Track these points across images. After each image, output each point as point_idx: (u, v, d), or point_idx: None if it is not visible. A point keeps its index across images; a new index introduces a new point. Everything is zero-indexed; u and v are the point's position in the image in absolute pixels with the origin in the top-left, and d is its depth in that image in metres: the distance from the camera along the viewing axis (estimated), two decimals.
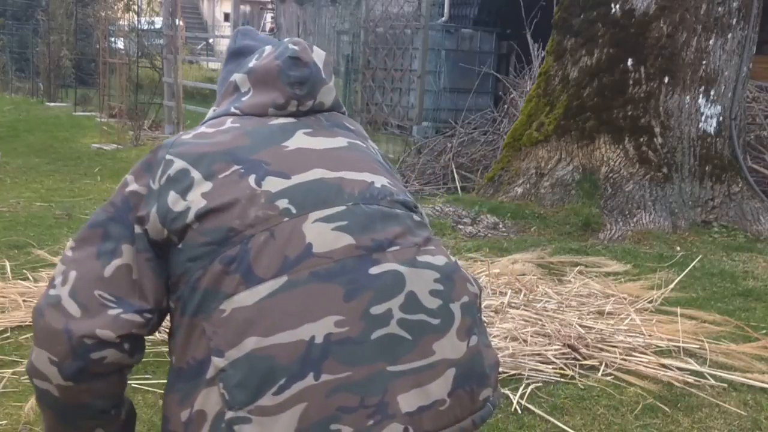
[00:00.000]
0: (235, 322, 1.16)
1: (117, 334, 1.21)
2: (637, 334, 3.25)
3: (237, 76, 1.44)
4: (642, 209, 5.38)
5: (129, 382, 2.72)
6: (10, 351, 2.94)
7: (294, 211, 1.23)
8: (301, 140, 1.34)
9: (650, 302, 3.71)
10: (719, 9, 5.45)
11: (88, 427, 1.32)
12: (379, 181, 1.34)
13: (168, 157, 1.28)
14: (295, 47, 1.41)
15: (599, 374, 2.87)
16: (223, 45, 21.30)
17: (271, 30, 23.50)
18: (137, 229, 1.26)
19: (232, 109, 1.40)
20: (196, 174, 1.25)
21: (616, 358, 2.98)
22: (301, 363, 1.14)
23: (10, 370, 2.76)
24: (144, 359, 2.90)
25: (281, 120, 1.37)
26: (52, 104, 13.56)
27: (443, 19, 11.05)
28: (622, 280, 4.09)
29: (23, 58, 16.16)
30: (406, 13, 10.27)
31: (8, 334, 3.07)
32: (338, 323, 1.16)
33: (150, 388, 2.67)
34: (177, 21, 9.81)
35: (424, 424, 1.18)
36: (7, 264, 3.87)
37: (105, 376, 1.25)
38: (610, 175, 5.58)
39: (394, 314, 1.20)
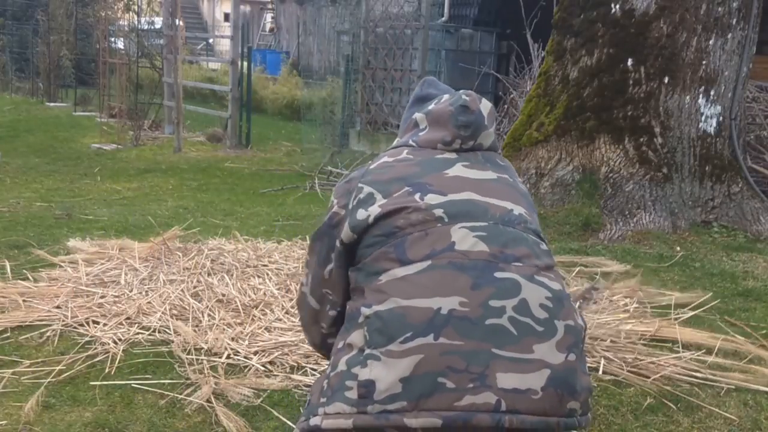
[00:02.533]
0: (385, 286, 1.53)
1: (327, 324, 1.82)
2: (637, 335, 3.25)
3: (417, 115, 1.85)
4: (642, 209, 5.38)
5: (129, 382, 2.73)
6: (10, 351, 2.94)
7: (446, 219, 1.59)
8: (459, 170, 1.70)
9: (651, 303, 3.71)
10: (719, 9, 5.45)
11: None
12: (518, 210, 1.66)
13: (360, 185, 1.71)
14: (467, 98, 1.80)
15: (599, 374, 2.87)
16: (223, 45, 21.27)
17: (271, 30, 23.48)
18: (337, 243, 1.70)
19: (410, 142, 1.81)
20: (378, 196, 1.66)
21: (617, 358, 2.98)
22: (427, 325, 1.44)
23: (10, 370, 2.76)
24: (144, 359, 2.91)
25: (446, 155, 1.75)
26: (52, 104, 13.56)
27: (443, 19, 11.06)
28: (622, 280, 4.09)
29: (23, 58, 16.16)
30: (406, 13, 10.27)
31: (8, 334, 3.07)
32: (462, 304, 1.46)
33: (150, 389, 2.67)
34: (177, 21, 9.81)
35: (516, 403, 1.40)
36: (7, 264, 3.87)
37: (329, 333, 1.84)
38: (610, 175, 5.58)
39: (507, 311, 1.47)
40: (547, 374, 1.43)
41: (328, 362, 1.74)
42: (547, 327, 1.47)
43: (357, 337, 1.52)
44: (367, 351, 1.47)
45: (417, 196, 1.62)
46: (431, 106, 1.84)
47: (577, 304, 3.22)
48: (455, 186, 1.65)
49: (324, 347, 1.86)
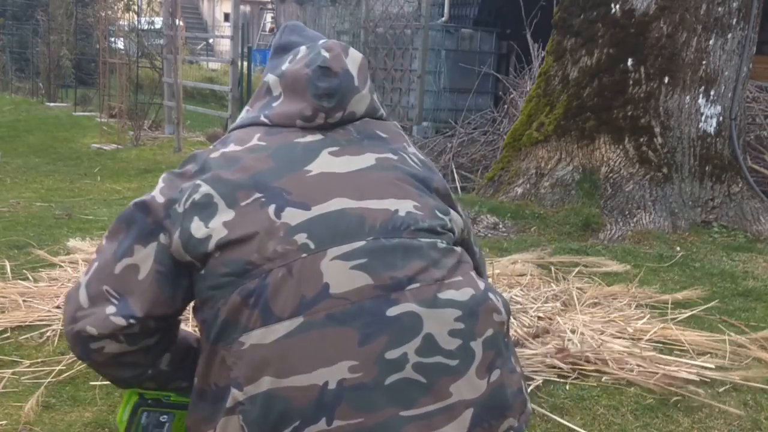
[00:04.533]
0: (253, 358, 1.19)
1: (99, 332, 1.28)
2: (638, 334, 3.25)
3: (270, 78, 1.43)
4: (642, 209, 5.38)
5: None
6: (10, 351, 2.94)
7: (312, 246, 1.23)
8: (325, 163, 1.32)
9: (650, 302, 3.71)
10: (719, 9, 5.45)
11: (134, 382, 1.41)
12: (404, 207, 1.30)
13: (197, 182, 1.30)
14: (326, 54, 1.38)
15: (599, 374, 2.87)
16: (223, 45, 21.29)
17: (271, 30, 23.48)
18: (163, 239, 1.30)
19: (262, 117, 1.39)
20: (219, 201, 1.27)
21: (617, 358, 2.98)
22: (315, 407, 1.16)
23: (10, 370, 2.76)
24: None
25: (308, 137, 1.35)
26: (52, 104, 13.55)
27: (443, 19, 11.06)
28: (622, 280, 4.09)
29: (23, 58, 16.15)
30: (406, 13, 10.27)
31: (8, 334, 3.07)
32: (352, 368, 1.17)
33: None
34: (177, 21, 9.80)
35: None
36: (7, 264, 3.87)
37: (111, 361, 1.32)
38: (610, 175, 5.58)
39: (409, 358, 1.19)
40: (470, 414, 1.20)
41: None
42: (462, 356, 1.22)
43: (230, 427, 1.20)
44: None
45: (271, 211, 1.25)
46: (285, 66, 1.41)
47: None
48: (320, 191, 1.28)
49: (82, 348, 1.31)
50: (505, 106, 8.50)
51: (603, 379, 2.83)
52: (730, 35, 5.51)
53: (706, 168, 5.59)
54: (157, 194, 1.34)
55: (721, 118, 5.63)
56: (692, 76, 5.50)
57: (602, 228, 5.28)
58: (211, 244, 1.24)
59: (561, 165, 5.79)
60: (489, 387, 1.24)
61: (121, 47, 11.57)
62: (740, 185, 5.63)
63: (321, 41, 1.43)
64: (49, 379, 2.69)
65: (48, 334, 3.08)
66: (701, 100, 5.54)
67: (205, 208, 1.27)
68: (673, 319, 3.46)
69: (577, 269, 4.22)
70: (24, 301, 3.37)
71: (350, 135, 1.37)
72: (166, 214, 1.31)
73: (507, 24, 10.68)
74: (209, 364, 1.25)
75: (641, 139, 5.54)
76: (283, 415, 1.16)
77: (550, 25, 6.21)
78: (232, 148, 1.36)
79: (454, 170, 7.57)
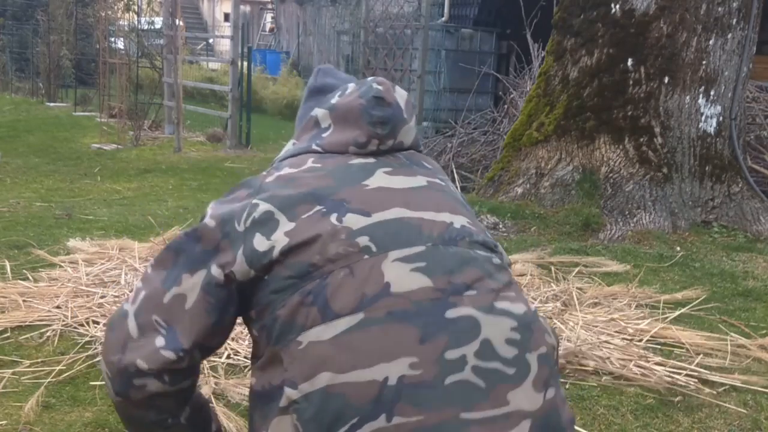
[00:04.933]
0: (311, 355, 1.18)
1: (150, 366, 1.28)
2: (638, 335, 3.25)
3: (318, 111, 1.47)
4: (642, 209, 5.38)
5: None
6: (10, 351, 2.94)
7: (374, 249, 1.25)
8: (381, 179, 1.35)
9: (650, 302, 3.71)
10: (719, 9, 5.45)
11: (150, 429, 1.39)
12: (459, 221, 1.34)
13: (254, 201, 1.31)
14: (380, 87, 1.44)
15: (599, 374, 2.87)
16: (223, 45, 21.30)
17: (271, 30, 23.49)
18: (215, 270, 1.29)
19: (314, 146, 1.43)
20: (281, 216, 1.28)
21: (617, 358, 2.98)
22: (374, 404, 1.14)
23: (10, 370, 2.76)
24: None
25: (361, 159, 1.39)
26: (52, 104, 13.56)
27: (443, 19, 11.06)
28: (622, 280, 4.09)
29: (23, 58, 16.15)
30: (406, 13, 10.28)
31: (8, 334, 3.07)
32: (413, 365, 1.16)
33: None
34: (177, 21, 9.80)
35: None
36: (7, 264, 3.87)
37: (148, 401, 1.32)
38: (610, 175, 5.58)
39: (468, 360, 1.19)
40: (528, 426, 1.19)
41: None
42: (519, 366, 1.22)
43: (282, 427, 1.20)
44: None
45: (333, 219, 1.27)
46: (335, 100, 1.47)
47: None
48: (380, 201, 1.31)
49: (122, 380, 1.30)
50: (505, 106, 8.49)
51: (603, 379, 2.83)
52: (730, 35, 5.51)
53: (706, 168, 5.59)
54: (208, 220, 1.34)
55: (721, 118, 5.63)
56: (692, 76, 5.50)
57: (602, 228, 5.29)
58: (276, 252, 1.26)
59: (561, 165, 5.79)
60: (545, 403, 1.23)
61: (121, 47, 11.57)
62: (740, 185, 5.63)
63: (370, 78, 1.50)
64: (49, 379, 2.69)
65: (48, 334, 3.08)
66: (701, 100, 5.54)
67: (266, 224, 1.28)
68: (672, 319, 3.46)
69: (577, 269, 4.22)
70: (24, 301, 3.37)
71: (400, 161, 1.43)
72: (223, 234, 1.31)
73: (507, 24, 10.69)
74: (266, 366, 1.26)
75: (641, 139, 5.54)
76: (340, 413, 1.15)
77: (550, 25, 6.21)
78: (287, 171, 1.38)
79: (454, 170, 7.58)
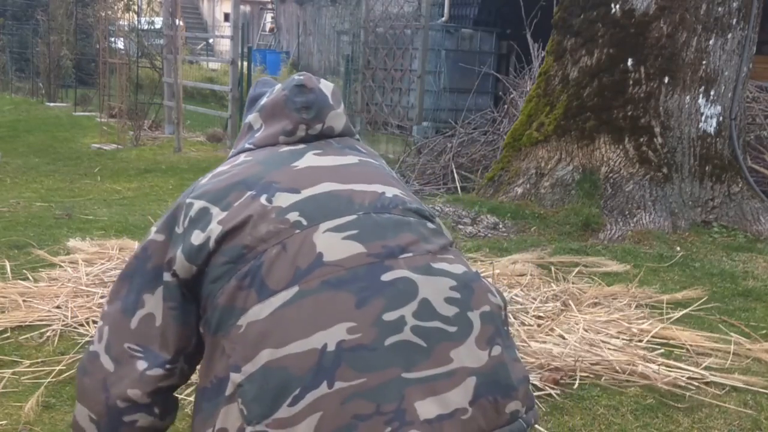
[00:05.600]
0: (251, 336, 1.18)
1: (144, 391, 1.28)
2: (638, 335, 3.25)
3: (250, 117, 1.51)
4: (642, 209, 5.38)
5: None
6: (10, 351, 2.94)
7: (305, 223, 1.25)
8: (310, 160, 1.37)
9: (650, 302, 3.71)
10: (719, 9, 5.45)
11: None
12: (391, 191, 1.35)
13: (188, 201, 1.34)
14: (300, 77, 1.47)
15: (599, 374, 2.87)
16: (223, 45, 21.29)
17: (271, 30, 23.48)
18: (166, 276, 1.31)
19: (246, 146, 1.47)
20: (214, 209, 1.30)
21: (617, 358, 2.98)
22: (315, 372, 1.14)
23: (10, 370, 2.76)
24: None
25: (291, 147, 1.42)
26: (52, 104, 13.56)
27: (443, 19, 11.05)
28: (622, 280, 4.09)
29: (23, 58, 16.15)
30: (406, 13, 10.28)
31: (8, 334, 3.07)
32: (350, 330, 1.16)
33: None
34: (177, 21, 9.80)
35: None
36: (7, 264, 3.87)
37: None
38: (610, 175, 5.58)
39: (407, 321, 1.18)
40: (474, 383, 1.18)
41: None
42: (461, 324, 1.21)
43: (230, 416, 1.18)
44: (249, 429, 1.14)
45: (263, 200, 1.28)
46: (263, 101, 1.51)
47: None
48: (309, 178, 1.32)
49: (110, 424, 1.31)
50: (505, 106, 8.49)
51: (603, 379, 2.83)
52: (730, 35, 5.51)
53: (706, 168, 5.59)
54: (154, 235, 1.36)
55: (721, 118, 5.63)
56: (692, 76, 5.50)
57: (602, 228, 5.28)
58: (211, 242, 1.27)
59: (561, 165, 5.79)
60: (491, 360, 1.22)
61: (121, 47, 11.56)
62: (740, 185, 5.63)
63: (294, 74, 1.53)
64: (49, 379, 2.69)
65: (48, 334, 3.08)
66: (701, 100, 5.54)
67: (202, 219, 1.30)
68: (673, 319, 3.46)
69: (577, 269, 4.22)
70: (24, 301, 3.37)
71: (331, 145, 1.44)
72: (169, 241, 1.33)
73: (507, 24, 10.68)
74: (210, 359, 1.25)
75: (641, 139, 5.54)
76: (282, 387, 1.14)
77: (550, 25, 6.21)
78: (219, 169, 1.42)
79: (454, 170, 7.58)
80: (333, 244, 1.23)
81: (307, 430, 1.12)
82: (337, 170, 1.36)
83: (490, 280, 1.36)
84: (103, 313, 1.38)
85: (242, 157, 1.42)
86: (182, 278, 1.30)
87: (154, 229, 1.37)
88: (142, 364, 1.29)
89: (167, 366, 1.30)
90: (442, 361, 1.18)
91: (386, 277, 1.21)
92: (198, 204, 1.32)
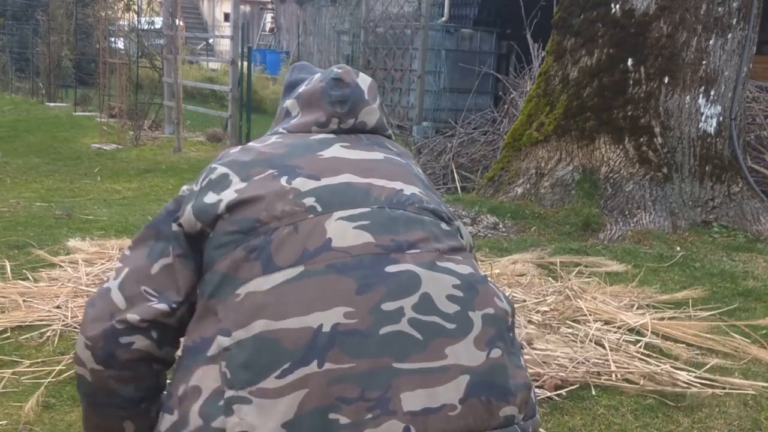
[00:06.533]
0: (247, 305, 1.20)
1: (142, 317, 1.29)
2: (638, 335, 3.25)
3: (288, 102, 1.55)
4: (642, 209, 5.38)
5: None
6: (10, 351, 2.94)
7: (319, 209, 1.28)
8: (336, 151, 1.40)
9: (650, 303, 3.71)
10: (719, 9, 5.45)
11: (118, 417, 1.38)
12: (410, 189, 1.37)
13: (213, 165, 1.39)
14: (339, 71, 1.51)
15: (599, 374, 2.87)
16: (223, 45, 21.29)
17: (271, 30, 23.49)
18: (174, 226, 1.36)
19: (280, 130, 1.51)
20: (234, 177, 1.34)
21: (617, 358, 2.98)
22: (307, 349, 1.15)
23: (10, 370, 2.76)
24: None
25: (322, 136, 1.45)
26: (52, 104, 13.55)
27: (443, 19, 11.06)
28: (622, 280, 4.09)
29: (23, 58, 16.15)
30: (406, 13, 10.28)
31: (8, 334, 3.07)
32: (347, 315, 1.17)
33: None
34: (177, 21, 9.80)
35: (429, 426, 1.14)
36: (7, 264, 3.87)
37: (133, 364, 1.31)
38: (610, 175, 5.58)
39: (405, 313, 1.19)
40: (466, 381, 1.17)
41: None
42: (460, 322, 1.21)
43: (208, 376, 1.18)
44: (231, 393, 1.15)
45: (283, 180, 1.32)
46: (301, 89, 1.55)
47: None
48: (331, 168, 1.35)
49: (107, 342, 1.30)
50: (505, 106, 8.50)
51: (603, 379, 2.83)
52: (730, 35, 5.51)
53: (706, 168, 5.60)
54: (182, 191, 1.42)
55: (721, 118, 5.63)
56: (692, 76, 5.50)
57: (602, 228, 5.29)
58: (222, 207, 1.30)
59: (561, 165, 5.79)
60: (488, 361, 1.21)
61: (121, 47, 11.56)
62: (740, 185, 5.63)
63: (333, 66, 1.56)
64: (49, 379, 2.69)
65: (48, 334, 3.08)
66: (701, 100, 5.54)
67: (220, 183, 1.34)
68: (672, 319, 3.46)
69: (577, 269, 4.22)
70: (24, 301, 3.37)
71: (361, 141, 1.46)
72: (187, 198, 1.38)
73: (507, 24, 10.69)
74: (199, 321, 1.26)
75: (641, 139, 5.54)
76: (273, 358, 1.15)
77: (550, 25, 6.21)
78: (250, 145, 1.47)
79: (454, 170, 7.58)
80: (343, 232, 1.25)
81: (290, 403, 1.12)
82: (360, 164, 1.38)
83: (496, 284, 1.33)
84: (123, 256, 1.40)
85: (273, 138, 1.46)
86: (186, 231, 1.34)
87: (185, 188, 1.42)
88: (152, 301, 1.32)
89: (173, 305, 1.32)
90: (436, 355, 1.17)
91: (391, 268, 1.23)
92: (221, 169, 1.37)
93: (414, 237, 1.28)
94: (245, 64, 10.33)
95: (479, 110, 9.52)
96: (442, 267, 1.26)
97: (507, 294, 1.38)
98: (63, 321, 3.18)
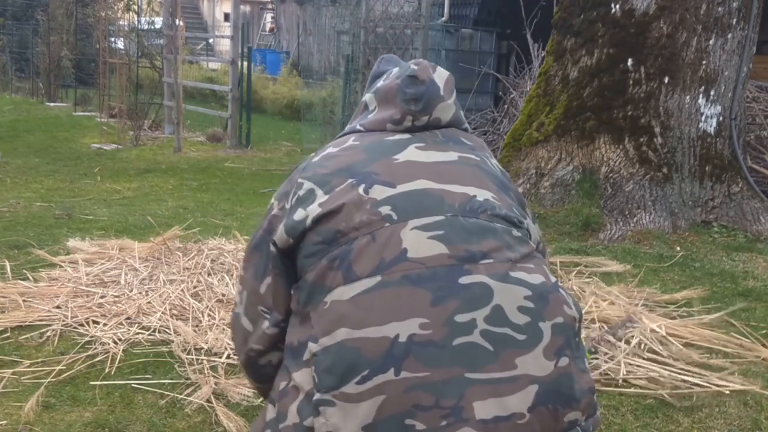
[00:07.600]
0: (332, 313, 1.29)
1: (265, 346, 1.50)
2: (638, 335, 3.25)
3: (366, 96, 1.61)
4: (642, 209, 5.38)
5: (129, 382, 2.74)
6: (10, 351, 2.94)
7: (395, 217, 1.34)
8: (411, 154, 1.44)
9: (650, 303, 3.71)
10: (719, 9, 5.45)
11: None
12: (483, 194, 1.40)
13: (299, 180, 1.46)
14: (415, 67, 1.54)
15: (598, 374, 2.87)
16: (223, 45, 21.28)
17: (271, 30, 23.48)
18: (270, 246, 1.46)
19: (357, 126, 1.56)
20: (319, 192, 1.41)
21: (616, 358, 2.98)
22: (384, 358, 1.22)
23: (10, 370, 2.76)
24: (144, 359, 2.91)
25: (397, 136, 1.49)
26: (52, 104, 13.55)
27: (443, 19, 11.06)
28: (622, 280, 4.09)
29: (23, 58, 16.15)
30: (406, 13, 10.28)
31: (8, 334, 3.07)
32: (423, 325, 1.24)
33: (150, 389, 2.67)
34: (177, 21, 9.80)
35: None
36: (7, 264, 3.87)
37: (275, 370, 1.48)
38: (610, 175, 5.58)
39: (478, 324, 1.24)
40: (535, 391, 1.23)
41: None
42: (531, 333, 1.26)
43: (304, 377, 1.30)
44: (318, 396, 1.26)
45: (361, 189, 1.37)
46: (379, 83, 1.58)
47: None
48: (406, 174, 1.39)
49: (253, 369, 1.57)
50: (505, 106, 8.49)
51: (603, 379, 2.83)
52: (730, 35, 5.51)
53: (706, 168, 5.59)
54: (275, 210, 1.49)
55: (721, 118, 5.63)
56: (692, 76, 5.50)
57: (602, 228, 5.28)
58: (309, 221, 1.38)
59: (561, 165, 5.79)
60: (556, 370, 1.26)
61: (121, 47, 11.56)
62: (740, 185, 5.63)
63: (412, 60, 1.59)
64: (49, 379, 2.69)
65: (48, 334, 3.08)
66: (701, 100, 5.54)
67: (306, 199, 1.42)
68: (672, 319, 3.46)
69: (577, 269, 4.22)
70: (24, 301, 3.37)
71: (436, 137, 1.50)
72: (283, 215, 1.47)
73: (507, 24, 10.69)
74: (297, 325, 1.39)
75: (641, 139, 5.54)
76: (353, 364, 1.23)
77: (550, 25, 6.21)
78: (329, 150, 1.52)
79: None
80: (418, 242, 1.31)
81: (370, 408, 1.21)
82: (435, 168, 1.42)
83: (566, 290, 1.37)
84: (240, 277, 1.56)
85: (350, 141, 1.51)
86: (280, 248, 1.43)
87: (275, 203, 1.51)
88: (265, 324, 1.49)
89: (281, 324, 1.47)
90: (507, 366, 1.23)
91: (464, 280, 1.27)
92: (307, 185, 1.44)
93: (487, 246, 1.32)
94: (245, 64, 10.33)
95: (479, 110, 9.52)
96: (515, 278, 1.30)
97: (573, 298, 1.41)
98: (63, 321, 3.18)
